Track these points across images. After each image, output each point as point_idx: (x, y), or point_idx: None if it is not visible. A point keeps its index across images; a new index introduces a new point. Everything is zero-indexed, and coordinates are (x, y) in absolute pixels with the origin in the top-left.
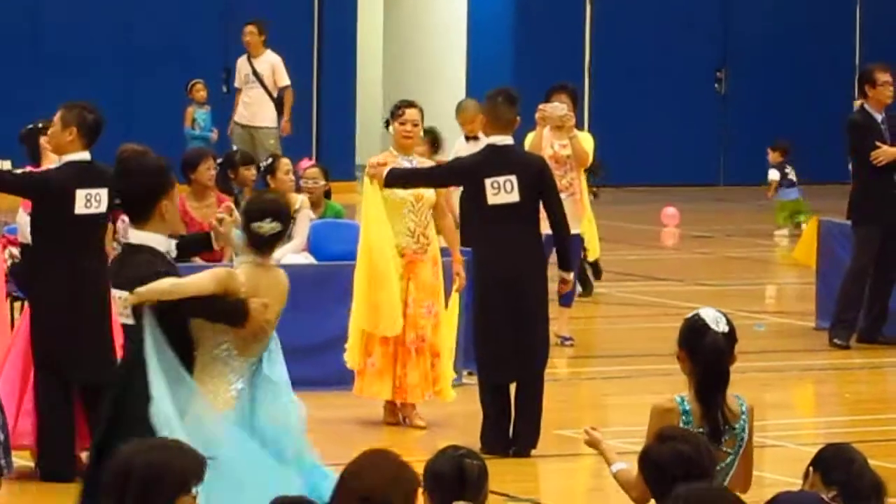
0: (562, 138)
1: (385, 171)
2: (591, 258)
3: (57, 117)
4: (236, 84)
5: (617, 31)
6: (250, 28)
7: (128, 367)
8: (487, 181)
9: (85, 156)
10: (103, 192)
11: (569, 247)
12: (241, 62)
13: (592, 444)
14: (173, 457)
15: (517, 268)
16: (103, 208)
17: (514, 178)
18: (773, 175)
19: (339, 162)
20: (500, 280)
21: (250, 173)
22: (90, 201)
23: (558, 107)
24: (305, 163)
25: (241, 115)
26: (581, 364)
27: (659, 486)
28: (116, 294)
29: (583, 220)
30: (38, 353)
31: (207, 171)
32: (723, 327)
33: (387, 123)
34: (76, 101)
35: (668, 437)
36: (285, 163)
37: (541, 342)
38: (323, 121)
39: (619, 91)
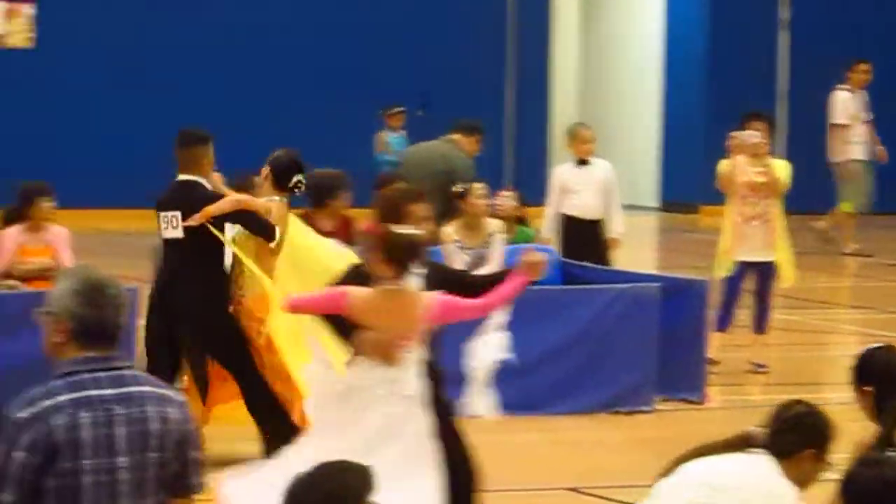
0: (757, 166)
1: None
2: (785, 284)
3: None
4: (846, 120)
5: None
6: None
7: None
8: None
9: None
10: None
11: None
12: (848, 98)
13: None
14: (348, 478)
15: None
16: None
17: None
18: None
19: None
20: None
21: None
22: None
23: (752, 134)
24: (505, 192)
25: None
26: (776, 391)
27: None
28: None
29: (777, 247)
30: None
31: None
32: None
33: None
34: None
35: (872, 463)
36: (478, 187)
37: None
38: (519, 146)
39: (817, 117)
